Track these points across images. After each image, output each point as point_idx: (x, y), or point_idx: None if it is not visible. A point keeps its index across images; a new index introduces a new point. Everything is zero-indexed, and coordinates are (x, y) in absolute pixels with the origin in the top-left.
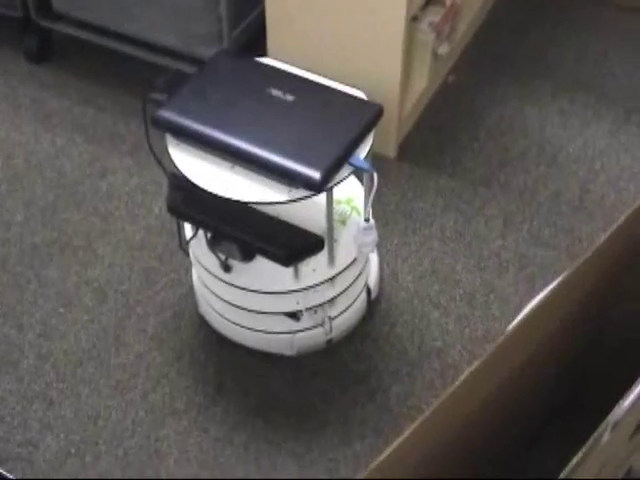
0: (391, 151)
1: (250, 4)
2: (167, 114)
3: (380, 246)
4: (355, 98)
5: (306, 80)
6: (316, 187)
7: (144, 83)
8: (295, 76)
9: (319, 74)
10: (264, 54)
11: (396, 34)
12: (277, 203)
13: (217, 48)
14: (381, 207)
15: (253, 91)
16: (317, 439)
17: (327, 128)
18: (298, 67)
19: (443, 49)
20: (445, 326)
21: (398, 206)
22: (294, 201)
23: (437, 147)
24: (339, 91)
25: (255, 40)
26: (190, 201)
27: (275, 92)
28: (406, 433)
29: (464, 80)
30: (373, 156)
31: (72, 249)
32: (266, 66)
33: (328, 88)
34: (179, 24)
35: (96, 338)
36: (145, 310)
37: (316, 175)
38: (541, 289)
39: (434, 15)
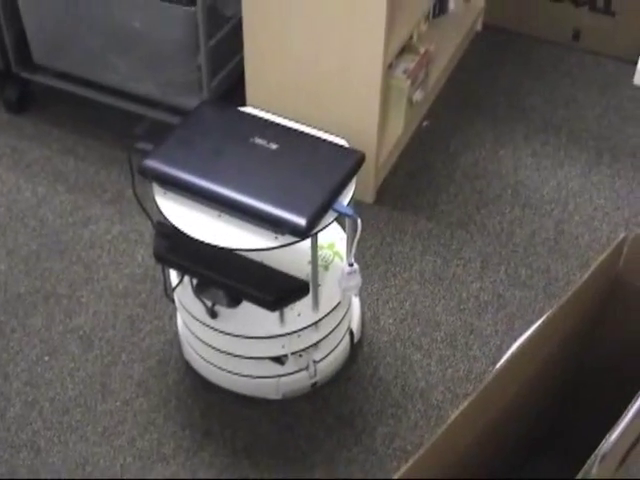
0: (369, 196)
1: (229, 54)
2: (154, 163)
3: (361, 290)
4: (337, 145)
5: (289, 128)
6: (302, 233)
7: (124, 132)
8: (278, 125)
9: (298, 122)
10: (243, 103)
11: (373, 82)
12: (264, 250)
13: (196, 97)
14: (361, 251)
15: (237, 140)
16: None
17: (311, 175)
18: (277, 116)
19: (418, 95)
20: (427, 367)
21: (378, 250)
22: (280, 247)
23: (414, 191)
24: (321, 139)
25: (234, 89)
26: (176, 248)
27: (259, 141)
28: (402, 470)
29: (438, 125)
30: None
31: (56, 298)
32: (249, 115)
33: (310, 136)
34: (158, 74)
35: (82, 385)
36: (130, 357)
37: (302, 221)
38: (520, 329)
39: (408, 62)
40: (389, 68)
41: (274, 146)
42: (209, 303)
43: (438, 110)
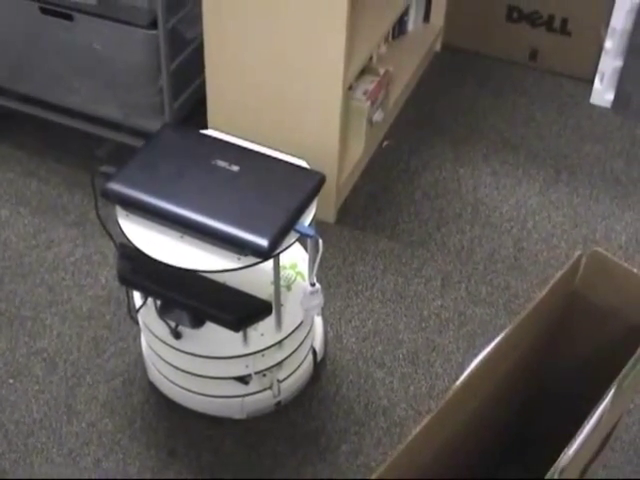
0: (330, 216)
1: (190, 76)
2: (117, 186)
3: (324, 309)
4: (298, 167)
5: (250, 151)
6: (264, 254)
7: (86, 155)
8: (239, 147)
9: (260, 144)
10: (205, 125)
11: (333, 104)
12: (227, 271)
13: (158, 120)
14: (323, 271)
15: (199, 162)
16: None
17: (272, 197)
18: (239, 138)
19: (378, 116)
20: (390, 385)
21: (340, 269)
22: (243, 268)
23: (375, 211)
24: (282, 160)
25: (196, 111)
26: (140, 270)
27: (221, 163)
28: None
29: (399, 145)
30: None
31: (20, 320)
32: (210, 138)
33: (272, 158)
34: (120, 96)
35: (47, 407)
36: (95, 378)
37: (264, 242)
38: (481, 346)
39: (368, 84)
40: (349, 89)
41: (235, 168)
42: (173, 324)
43: (398, 130)
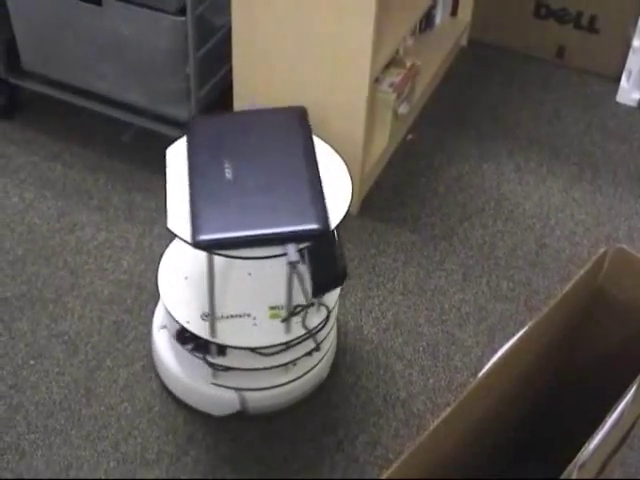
0: (354, 208)
1: (217, 63)
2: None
3: (345, 300)
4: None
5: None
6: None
7: (111, 140)
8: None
9: None
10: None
11: (360, 94)
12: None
13: (184, 106)
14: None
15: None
16: None
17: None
18: None
19: (403, 109)
20: (409, 377)
21: (361, 261)
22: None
23: (398, 204)
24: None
25: (222, 99)
26: None
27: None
28: (383, 477)
29: (423, 138)
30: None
31: (42, 302)
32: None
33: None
34: (146, 82)
35: (67, 390)
36: (115, 362)
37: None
38: (501, 341)
39: (394, 76)
40: (375, 82)
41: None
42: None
43: (423, 124)
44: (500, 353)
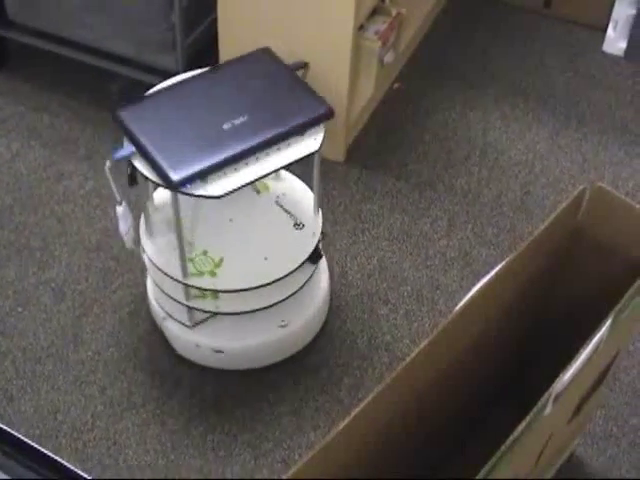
0: (340, 155)
1: (202, 12)
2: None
3: (330, 245)
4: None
5: None
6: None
7: (98, 90)
8: None
9: None
10: (217, 62)
11: (344, 43)
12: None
13: (170, 56)
14: (330, 208)
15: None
16: (272, 430)
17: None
18: None
19: (389, 57)
20: (394, 321)
21: (347, 208)
22: None
23: (384, 151)
24: None
25: (208, 49)
26: None
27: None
28: (361, 405)
29: (409, 87)
30: (322, 160)
31: (29, 250)
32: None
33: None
34: (132, 32)
35: (54, 336)
36: (102, 309)
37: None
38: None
39: (380, 24)
40: (360, 29)
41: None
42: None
43: (409, 73)
44: (478, 286)
